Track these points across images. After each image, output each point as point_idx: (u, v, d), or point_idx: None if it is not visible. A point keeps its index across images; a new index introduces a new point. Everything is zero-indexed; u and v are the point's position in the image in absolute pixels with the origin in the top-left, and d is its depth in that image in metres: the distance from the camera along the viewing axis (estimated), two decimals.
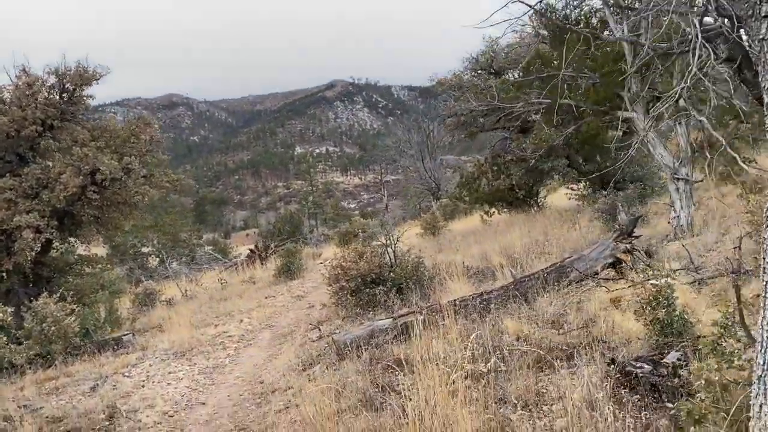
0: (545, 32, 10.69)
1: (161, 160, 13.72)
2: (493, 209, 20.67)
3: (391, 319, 7.31)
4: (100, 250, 38.88)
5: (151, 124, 13.19)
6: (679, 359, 4.33)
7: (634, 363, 4.45)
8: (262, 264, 23.30)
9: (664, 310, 4.93)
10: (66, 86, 12.60)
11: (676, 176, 9.47)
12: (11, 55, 12.72)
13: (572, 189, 17.46)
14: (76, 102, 12.74)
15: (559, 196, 21.69)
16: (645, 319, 5.09)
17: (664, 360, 4.42)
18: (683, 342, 4.74)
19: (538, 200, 20.05)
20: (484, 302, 7.35)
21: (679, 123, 9.29)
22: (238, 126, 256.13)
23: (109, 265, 24.45)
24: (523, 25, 15.19)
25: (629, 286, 6.82)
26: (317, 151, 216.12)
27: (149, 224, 37.81)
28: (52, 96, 12.62)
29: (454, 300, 7.43)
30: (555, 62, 9.95)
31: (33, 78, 12.18)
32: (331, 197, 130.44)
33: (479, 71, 15.96)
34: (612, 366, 4.59)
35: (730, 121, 9.17)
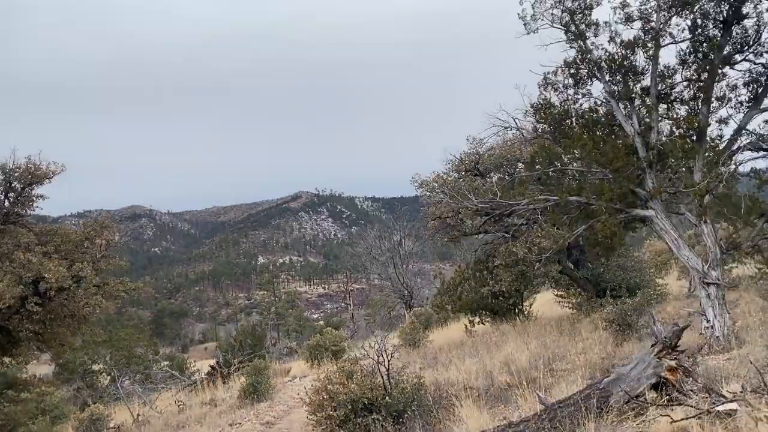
0: (544, 126, 10.07)
1: (119, 266, 12.22)
2: (477, 318, 19.37)
3: None
4: (44, 368, 35.81)
5: (109, 227, 11.81)
6: None
7: None
8: (224, 382, 21.15)
9: None
10: (13, 185, 11.27)
11: (706, 281, 8.47)
12: None
13: (561, 296, 16.37)
14: (23, 202, 11.37)
15: (543, 304, 20.55)
16: None
17: None
18: None
19: (523, 308, 18.86)
20: None
21: (705, 222, 8.42)
22: (201, 237, 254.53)
23: (51, 387, 22.04)
24: (506, 128, 14.71)
25: (694, 416, 5.54)
26: (281, 260, 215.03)
27: (101, 339, 35.19)
28: None
29: None
30: (561, 157, 9.19)
31: None
32: (294, 307, 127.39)
33: (464, 173, 15.24)
34: None
35: (755, 221, 8.34)
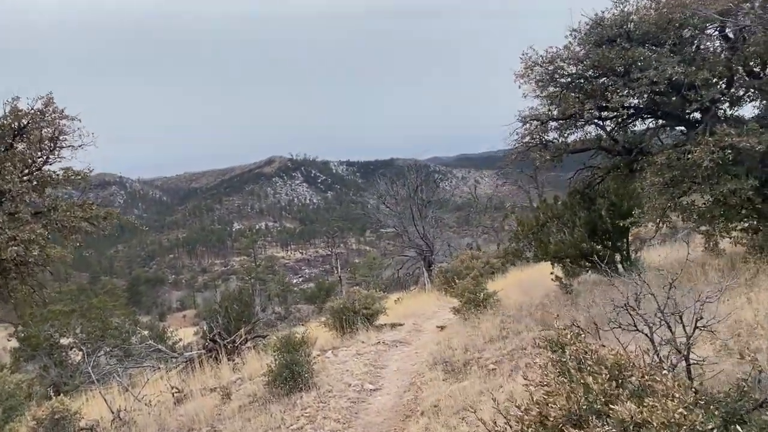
0: None
1: (77, 181, 7.16)
2: (560, 267, 14.78)
3: None
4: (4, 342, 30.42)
5: (55, 109, 6.66)
6: None
7: None
8: (229, 359, 16.26)
9: None
10: None
11: None
12: None
13: (723, 234, 11.38)
14: None
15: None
16: None
17: None
18: None
19: (629, 254, 14.25)
20: None
21: None
22: (174, 204, 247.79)
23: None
24: None
25: None
26: (257, 226, 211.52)
27: (69, 309, 30.03)
28: None
29: None
30: None
31: None
32: (274, 272, 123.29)
33: (603, 45, 10.17)
34: None
35: None
